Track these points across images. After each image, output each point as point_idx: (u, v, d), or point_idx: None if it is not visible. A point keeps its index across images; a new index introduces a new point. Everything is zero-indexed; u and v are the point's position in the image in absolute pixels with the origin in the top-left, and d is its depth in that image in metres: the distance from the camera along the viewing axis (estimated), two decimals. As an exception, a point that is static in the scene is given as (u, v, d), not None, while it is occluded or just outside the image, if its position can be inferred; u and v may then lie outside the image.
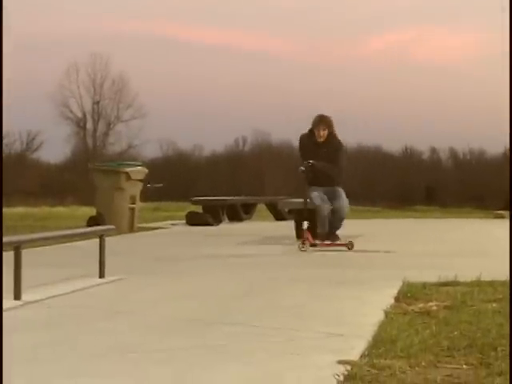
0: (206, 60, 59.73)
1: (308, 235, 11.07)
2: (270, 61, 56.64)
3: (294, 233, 12.83)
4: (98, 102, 36.06)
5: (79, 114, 35.84)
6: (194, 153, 36.16)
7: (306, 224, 11.09)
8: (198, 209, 18.92)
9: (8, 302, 6.46)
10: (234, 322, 5.76)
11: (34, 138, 35.34)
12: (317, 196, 11.63)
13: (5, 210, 15.78)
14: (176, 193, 23.90)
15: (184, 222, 18.27)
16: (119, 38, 52.56)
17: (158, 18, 59.98)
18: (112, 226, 10.09)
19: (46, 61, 59.14)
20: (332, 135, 11.72)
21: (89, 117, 36.09)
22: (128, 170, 15.11)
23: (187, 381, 3.98)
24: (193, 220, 17.86)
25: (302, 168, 10.95)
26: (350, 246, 10.91)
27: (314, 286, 7.91)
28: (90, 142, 35.26)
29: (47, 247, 10.23)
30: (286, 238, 13.29)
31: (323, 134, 11.38)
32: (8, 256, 7.19)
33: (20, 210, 19.27)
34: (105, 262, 8.25)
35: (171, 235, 16.16)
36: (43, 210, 22.47)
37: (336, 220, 11.65)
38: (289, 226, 14.10)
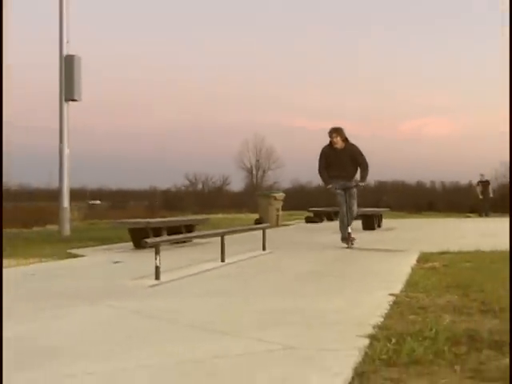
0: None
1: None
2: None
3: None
4: (258, 160, 56.89)
5: (249, 166, 56.72)
6: (309, 184, 50.98)
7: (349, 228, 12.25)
8: (311, 214, 25.38)
9: (218, 263, 9.12)
10: (332, 275, 8.18)
11: (227, 178, 54.29)
12: (342, 202, 12.55)
13: (211, 216, 19.39)
14: (300, 206, 32.31)
15: (304, 221, 24.90)
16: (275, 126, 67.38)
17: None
18: (268, 224, 14.55)
19: (228, 138, 77.17)
20: (348, 143, 12.57)
21: (254, 167, 57.22)
22: (274, 194, 23.04)
23: (334, 293, 6.29)
24: (308, 220, 24.76)
25: (331, 187, 12.44)
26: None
27: (377, 255, 10.73)
28: (254, 180, 56.51)
29: (236, 235, 12.67)
30: (355, 229, 18.34)
31: (336, 140, 12.39)
32: (217, 240, 9.96)
33: (220, 216, 25.39)
34: (265, 242, 11.41)
35: (297, 228, 21.24)
36: (232, 215, 30.00)
37: (350, 218, 12.52)
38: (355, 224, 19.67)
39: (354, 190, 12.66)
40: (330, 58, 70.44)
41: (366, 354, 3.75)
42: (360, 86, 67.48)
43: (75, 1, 17.23)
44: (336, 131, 12.59)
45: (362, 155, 12.63)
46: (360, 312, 5.17)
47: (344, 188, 12.59)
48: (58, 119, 17.41)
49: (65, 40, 17.28)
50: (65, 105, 17.35)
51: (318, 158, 12.76)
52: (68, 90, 17.09)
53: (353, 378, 3.28)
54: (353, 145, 12.74)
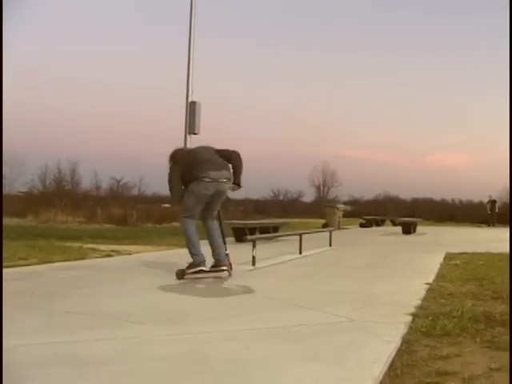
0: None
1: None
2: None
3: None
4: (324, 180, 53.97)
5: (317, 183, 53.71)
6: (362, 198, 48.39)
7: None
8: (364, 221, 24.81)
9: (297, 255, 9.07)
10: (381, 266, 8.09)
11: (301, 192, 51.27)
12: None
13: (289, 220, 19.00)
14: (354, 214, 31.21)
15: (358, 226, 24.16)
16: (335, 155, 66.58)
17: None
18: (333, 228, 14.47)
19: (303, 164, 77.34)
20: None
21: (321, 185, 54.16)
22: (337, 206, 22.75)
23: (366, 285, 6.31)
24: (362, 225, 24.12)
25: None
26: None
27: (413, 252, 10.48)
28: (321, 194, 52.83)
29: (310, 235, 11.62)
30: (396, 233, 18.14)
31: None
32: (295, 238, 9.89)
33: (296, 220, 24.53)
34: (331, 240, 11.48)
35: (354, 231, 20.88)
36: (305, 220, 29.15)
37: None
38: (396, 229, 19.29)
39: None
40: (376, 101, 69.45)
41: (410, 327, 3.75)
42: (393, 125, 66.67)
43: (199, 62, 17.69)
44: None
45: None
46: (403, 295, 5.12)
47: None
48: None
49: (190, 91, 17.80)
50: (188, 137, 17.81)
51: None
52: (191, 126, 17.55)
53: (401, 344, 3.30)
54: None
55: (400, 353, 3.09)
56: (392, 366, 2.82)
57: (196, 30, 17.73)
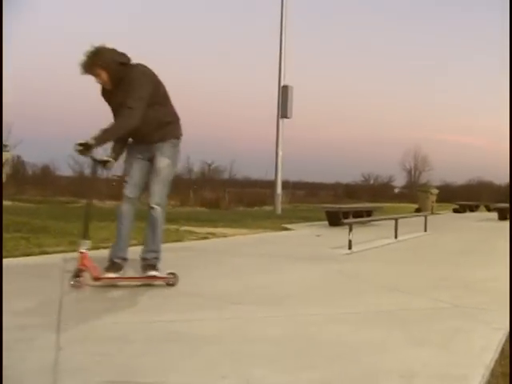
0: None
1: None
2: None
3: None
4: (416, 164, 51.95)
5: (408, 168, 51.79)
6: (454, 183, 46.06)
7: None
8: (457, 206, 23.99)
9: (392, 240, 8.97)
10: (479, 252, 8.03)
11: (391, 177, 49.69)
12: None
13: (379, 204, 19.45)
14: (446, 199, 29.34)
15: (451, 211, 23.34)
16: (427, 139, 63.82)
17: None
18: (426, 212, 14.29)
19: (393, 148, 76.19)
20: (125, 69, 4.36)
21: (413, 169, 52.31)
22: (430, 190, 22.23)
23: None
24: (455, 210, 23.42)
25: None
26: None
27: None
28: (412, 179, 50.93)
29: (403, 220, 11.02)
30: (492, 219, 16.46)
31: (103, 78, 4.34)
32: (386, 223, 10.30)
33: (387, 205, 22.64)
34: (426, 225, 11.22)
35: (447, 216, 20.32)
36: (396, 205, 27.87)
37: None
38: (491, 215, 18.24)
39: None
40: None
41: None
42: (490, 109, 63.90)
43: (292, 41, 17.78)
44: (94, 64, 4.32)
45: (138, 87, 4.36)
46: (504, 283, 4.93)
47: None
48: (275, 131, 17.99)
49: (282, 75, 17.98)
50: (280, 121, 17.94)
51: None
52: (283, 110, 17.69)
53: (510, 331, 3.19)
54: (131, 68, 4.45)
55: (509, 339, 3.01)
56: (503, 354, 2.75)
57: (287, 19, 17.78)
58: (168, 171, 4.44)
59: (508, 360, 2.68)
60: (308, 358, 2.59)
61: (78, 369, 2.32)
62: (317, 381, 2.28)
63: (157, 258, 4.43)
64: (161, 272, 4.38)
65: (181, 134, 4.59)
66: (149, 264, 4.40)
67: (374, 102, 67.02)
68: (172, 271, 4.35)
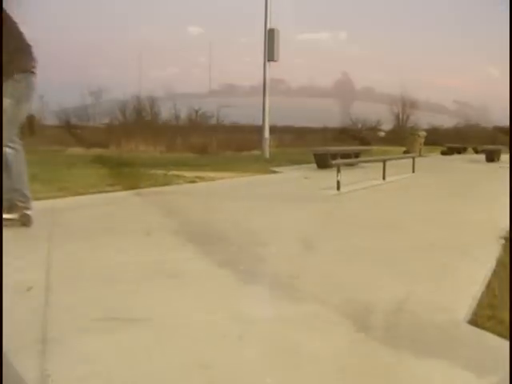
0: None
1: None
2: None
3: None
4: (403, 108, 45.85)
5: (396, 112, 46.01)
6: (441, 126, 42.49)
7: None
8: (445, 148, 23.50)
9: (380, 181, 8.94)
10: (469, 191, 8.07)
11: (379, 121, 44.47)
12: None
13: (370, 147, 19.27)
14: (432, 142, 26.82)
15: (439, 154, 22.68)
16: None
17: None
18: (414, 154, 14.09)
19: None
20: None
21: (400, 113, 46.31)
22: (418, 133, 22.11)
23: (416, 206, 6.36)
24: (443, 153, 22.79)
25: None
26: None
27: (502, 181, 9.25)
28: (399, 123, 45.42)
29: (393, 162, 10.98)
30: (480, 161, 17.27)
31: None
32: (374, 165, 10.09)
33: (375, 147, 21.92)
34: (414, 166, 11.05)
35: (435, 158, 20.11)
36: (386, 148, 25.81)
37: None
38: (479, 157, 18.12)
39: None
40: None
41: (504, 248, 3.72)
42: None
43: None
44: None
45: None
46: (491, 219, 5.05)
47: None
48: (262, 75, 17.80)
49: (268, 18, 17.69)
50: (267, 64, 17.73)
51: None
52: (270, 53, 17.47)
53: (497, 265, 3.28)
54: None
55: (495, 274, 3.08)
56: (489, 286, 2.80)
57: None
58: (11, 111, 3.83)
59: (493, 292, 2.72)
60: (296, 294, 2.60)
61: None
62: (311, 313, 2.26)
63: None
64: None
65: (29, 68, 3.92)
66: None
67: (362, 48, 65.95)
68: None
